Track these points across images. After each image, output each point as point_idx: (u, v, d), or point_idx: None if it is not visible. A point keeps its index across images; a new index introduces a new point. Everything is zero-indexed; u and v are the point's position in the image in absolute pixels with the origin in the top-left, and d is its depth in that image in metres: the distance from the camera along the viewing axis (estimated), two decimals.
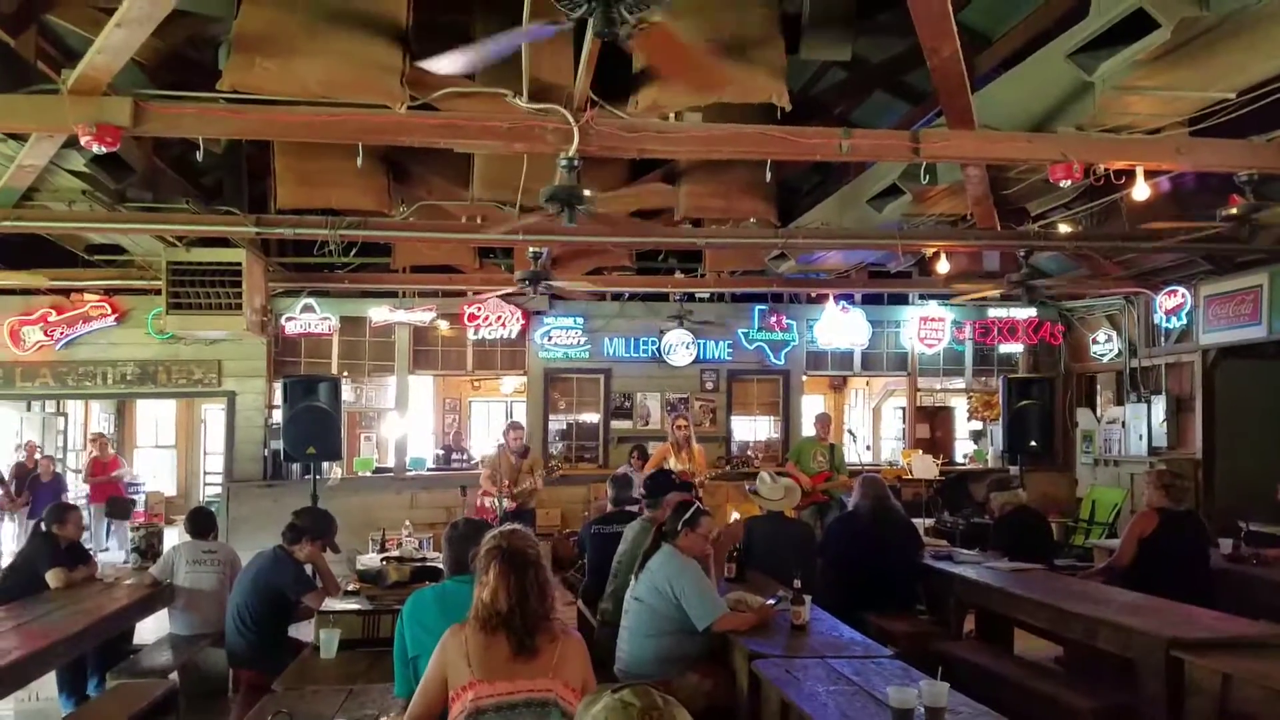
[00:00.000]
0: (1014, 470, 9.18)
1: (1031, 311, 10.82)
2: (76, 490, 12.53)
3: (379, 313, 9.96)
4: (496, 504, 7.50)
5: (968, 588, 5.40)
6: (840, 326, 10.66)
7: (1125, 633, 4.02)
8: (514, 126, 4.71)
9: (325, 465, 8.53)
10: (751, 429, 11.26)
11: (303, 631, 5.01)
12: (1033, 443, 8.55)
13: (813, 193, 8.87)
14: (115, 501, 10.38)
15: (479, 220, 7.28)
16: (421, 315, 10.03)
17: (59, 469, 11.62)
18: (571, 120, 4.62)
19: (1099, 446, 10.45)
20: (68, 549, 5.54)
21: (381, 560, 5.58)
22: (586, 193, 4.73)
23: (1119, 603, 4.48)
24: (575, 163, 4.72)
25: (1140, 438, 9.82)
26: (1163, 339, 9.78)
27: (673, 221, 7.44)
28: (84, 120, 4.38)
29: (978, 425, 11.85)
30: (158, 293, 8.26)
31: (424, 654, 2.78)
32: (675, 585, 3.95)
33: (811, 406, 11.53)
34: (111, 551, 9.84)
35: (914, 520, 6.61)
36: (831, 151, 5.06)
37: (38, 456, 10.79)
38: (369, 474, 10.19)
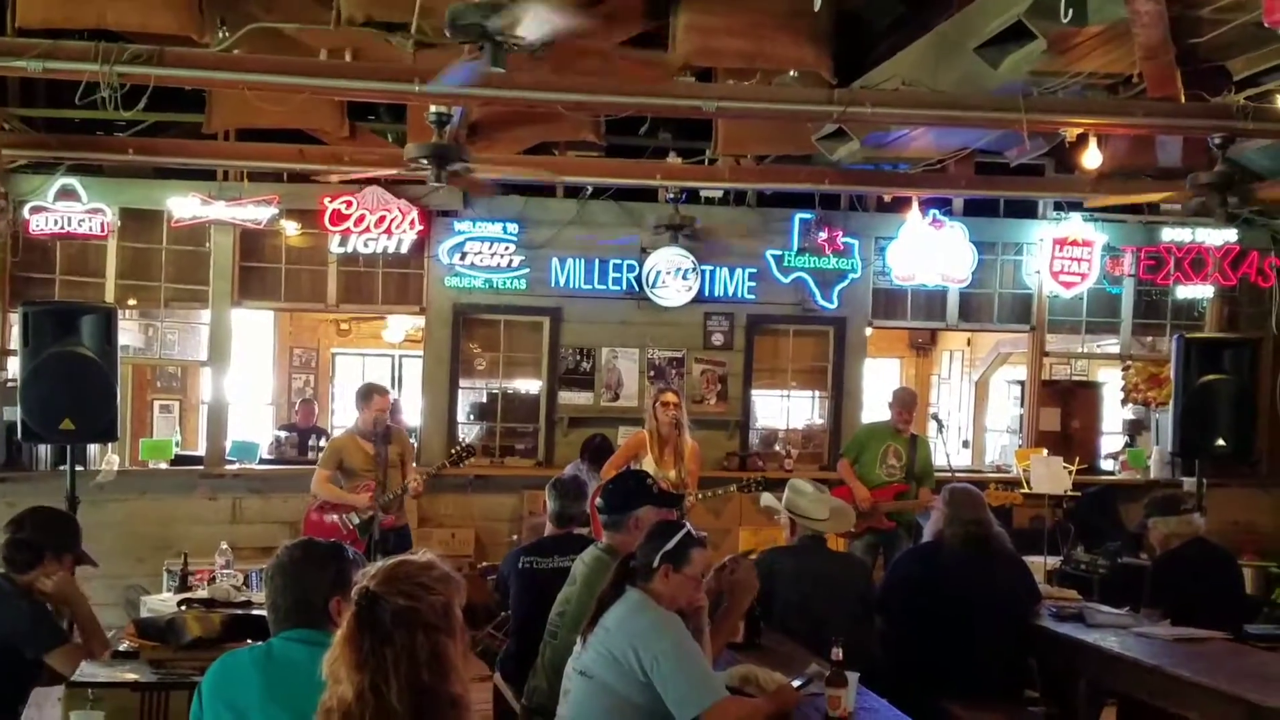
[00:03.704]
0: (1188, 484, 9.29)
1: (1230, 234, 10.90)
2: None
3: (185, 204, 9.85)
4: (349, 521, 7.54)
5: (1107, 665, 5.48)
6: (928, 250, 10.71)
7: None
8: None
9: (92, 449, 8.44)
10: (783, 410, 11.36)
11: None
12: (1220, 441, 8.64)
13: (892, 33, 8.82)
14: None
15: (347, 57, 7.18)
16: (255, 211, 9.96)
17: None
18: None
19: None
20: None
21: (179, 604, 5.55)
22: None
23: None
24: None
25: None
26: None
27: (666, 72, 7.36)
28: None
29: (1136, 413, 11.98)
30: None
31: None
32: (644, 652, 3.95)
33: (881, 376, 11.60)
34: None
35: (1028, 559, 6.71)
36: None
37: None
38: (165, 465, 10.15)
